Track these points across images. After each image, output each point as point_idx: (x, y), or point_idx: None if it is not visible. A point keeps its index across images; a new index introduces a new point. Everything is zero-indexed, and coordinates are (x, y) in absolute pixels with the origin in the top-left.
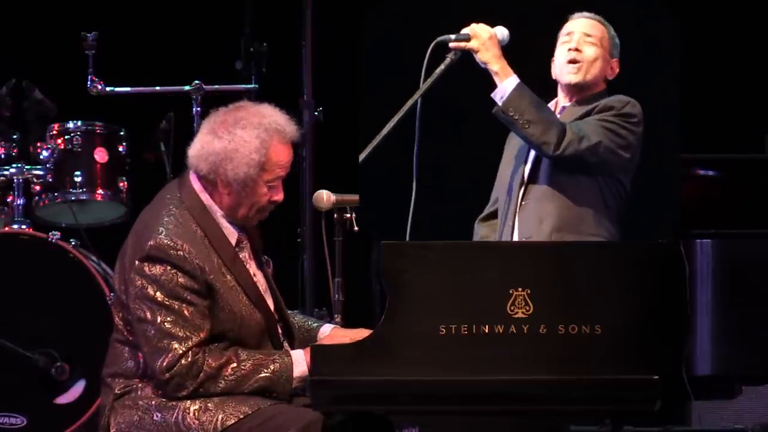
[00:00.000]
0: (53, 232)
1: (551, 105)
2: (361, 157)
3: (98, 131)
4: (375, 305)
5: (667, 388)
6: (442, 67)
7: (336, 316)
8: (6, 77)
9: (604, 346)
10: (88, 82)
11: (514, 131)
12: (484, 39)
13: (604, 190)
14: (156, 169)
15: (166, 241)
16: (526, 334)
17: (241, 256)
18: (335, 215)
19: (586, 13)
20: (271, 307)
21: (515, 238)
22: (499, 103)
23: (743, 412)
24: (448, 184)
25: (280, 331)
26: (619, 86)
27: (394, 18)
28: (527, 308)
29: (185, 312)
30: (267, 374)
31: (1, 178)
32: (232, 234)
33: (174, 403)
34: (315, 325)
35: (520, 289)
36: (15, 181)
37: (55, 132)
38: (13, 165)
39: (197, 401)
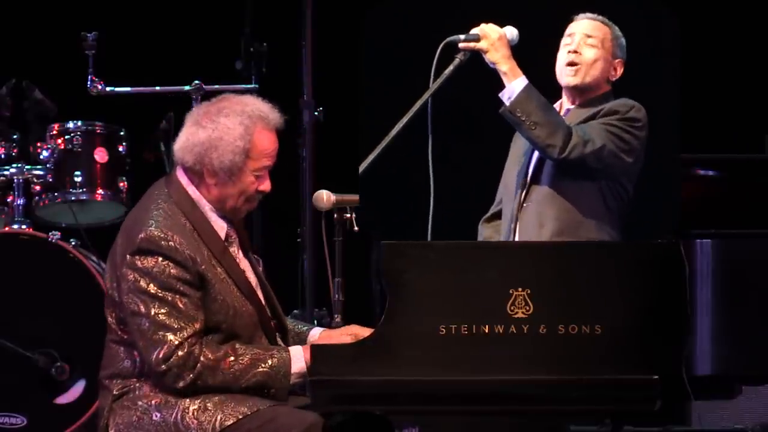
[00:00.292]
0: (53, 232)
1: (555, 107)
2: (369, 159)
3: (98, 131)
4: (375, 305)
5: (667, 388)
6: (451, 67)
7: (336, 316)
8: (6, 77)
9: (604, 346)
10: (88, 82)
11: (520, 132)
12: (494, 39)
13: (606, 194)
14: (156, 169)
15: (156, 233)
16: (526, 334)
17: (230, 250)
18: (335, 215)
19: (589, 14)
20: (267, 310)
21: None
22: (507, 104)
23: (743, 412)
24: (456, 184)
25: (273, 326)
26: (619, 86)
27: (395, 18)
28: (527, 308)
29: (179, 303)
30: (265, 369)
31: (1, 178)
32: (221, 228)
33: (173, 402)
34: (305, 328)
35: (520, 289)
36: (15, 181)
37: (55, 132)
38: (13, 165)
39: (196, 401)
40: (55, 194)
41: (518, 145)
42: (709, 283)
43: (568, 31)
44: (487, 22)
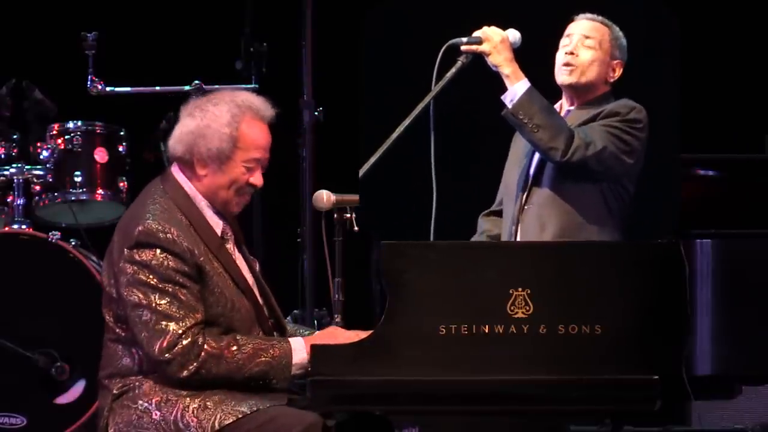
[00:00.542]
0: (53, 232)
1: (555, 108)
2: (371, 161)
3: (98, 131)
4: (375, 305)
5: (667, 388)
6: (453, 70)
7: (336, 316)
8: (6, 77)
9: (604, 346)
10: (88, 82)
11: (522, 135)
12: (496, 42)
13: (608, 196)
14: (156, 169)
15: (154, 226)
16: (526, 334)
17: (227, 247)
18: (335, 215)
19: (589, 15)
20: (263, 307)
21: None
22: (509, 106)
23: (743, 412)
24: (458, 186)
25: (270, 325)
26: (620, 86)
27: (395, 18)
28: (527, 308)
29: (179, 294)
30: (267, 359)
31: (1, 178)
32: (217, 224)
33: (174, 401)
34: (307, 333)
35: (520, 289)
36: (15, 181)
37: (55, 132)
38: (13, 165)
39: (196, 399)
40: (55, 194)
41: (518, 145)
42: (709, 283)
43: (567, 31)
44: (489, 24)
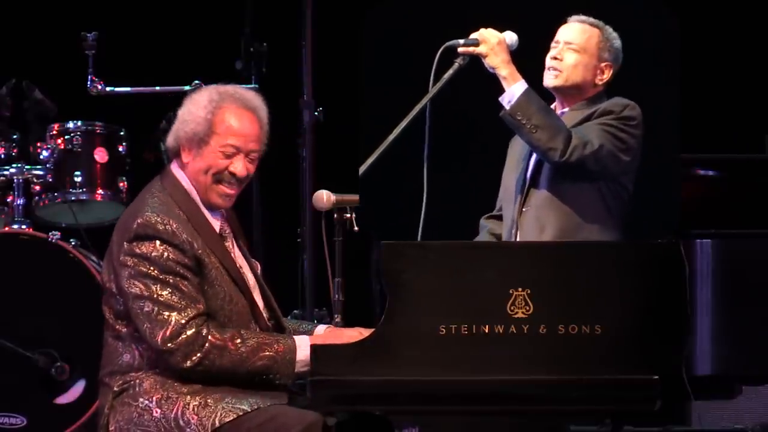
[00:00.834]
0: (53, 232)
1: None
2: (368, 162)
3: (98, 131)
4: (375, 305)
5: (667, 388)
6: (450, 72)
7: (336, 316)
8: (6, 77)
9: (604, 346)
10: (88, 82)
11: (520, 136)
12: (493, 44)
13: (606, 195)
14: (156, 169)
15: (153, 218)
16: (526, 334)
17: (225, 244)
18: (335, 215)
19: (580, 17)
20: (260, 303)
21: None
22: (507, 107)
23: (743, 412)
24: (455, 187)
25: (270, 326)
26: (620, 86)
27: (394, 18)
28: (527, 308)
29: (180, 285)
30: (271, 353)
31: (1, 178)
32: (215, 221)
33: (174, 398)
34: (309, 327)
35: (520, 289)
36: (15, 181)
37: (55, 132)
38: (13, 165)
39: (197, 397)
40: (55, 194)
41: (515, 150)
42: (709, 283)
43: (556, 36)
44: (486, 26)
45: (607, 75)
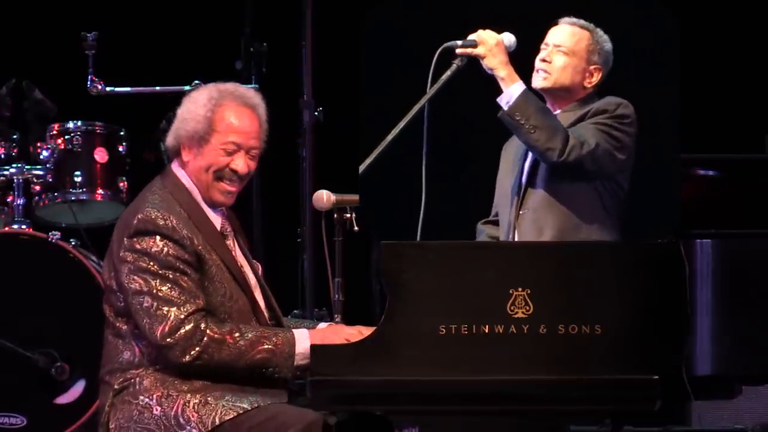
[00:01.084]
0: (53, 232)
1: None
2: (366, 162)
3: (98, 131)
4: (375, 305)
5: (667, 388)
6: (448, 73)
7: (336, 316)
8: (6, 77)
9: (604, 346)
10: (88, 82)
11: (518, 136)
12: (491, 45)
13: (603, 195)
14: (156, 169)
15: (153, 213)
16: (526, 334)
17: (226, 242)
18: (335, 215)
19: (571, 19)
20: (261, 302)
21: None
22: (505, 108)
23: (743, 412)
24: (454, 188)
25: (269, 323)
26: (620, 87)
27: (394, 18)
28: (527, 308)
29: (180, 281)
30: (269, 346)
31: (1, 178)
32: (215, 219)
33: (175, 396)
34: (310, 325)
35: (520, 289)
36: (15, 181)
37: (55, 132)
38: (13, 165)
39: (197, 395)
40: (55, 194)
41: (509, 153)
42: (709, 283)
43: (546, 38)
44: (485, 27)
45: (597, 78)
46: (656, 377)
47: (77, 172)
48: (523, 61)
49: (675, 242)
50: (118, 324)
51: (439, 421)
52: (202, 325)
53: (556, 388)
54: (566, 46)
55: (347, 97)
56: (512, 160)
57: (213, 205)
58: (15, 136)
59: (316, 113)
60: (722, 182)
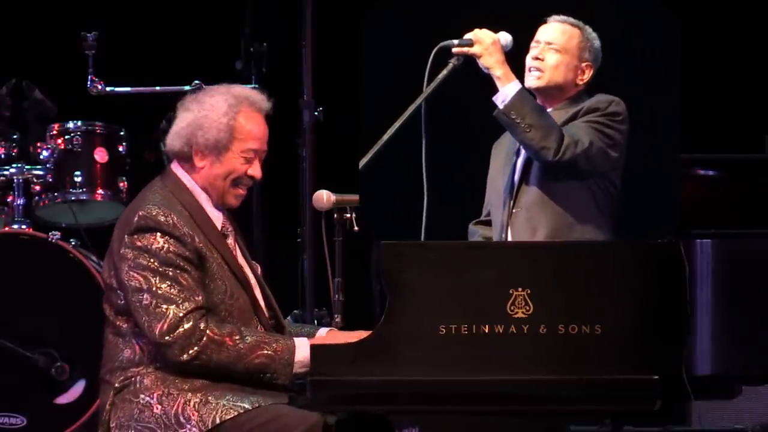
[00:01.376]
0: (53, 232)
1: None
2: (363, 161)
3: (98, 131)
4: (375, 305)
5: (667, 388)
6: (444, 72)
7: (336, 316)
8: (6, 77)
9: (604, 346)
10: (88, 82)
11: (513, 135)
12: (488, 44)
13: (596, 193)
14: (156, 169)
15: (154, 210)
16: (526, 334)
17: (227, 242)
18: (335, 215)
19: (560, 17)
20: (261, 301)
21: None
22: (501, 107)
23: (743, 412)
24: (453, 187)
25: (270, 322)
26: (620, 86)
27: (394, 18)
28: (527, 308)
29: (180, 278)
30: (269, 352)
31: (1, 178)
32: (216, 218)
33: (175, 395)
34: (311, 330)
35: (520, 289)
36: (15, 181)
37: (55, 132)
38: (13, 165)
39: (198, 394)
40: (55, 194)
41: (500, 151)
42: (709, 283)
43: (536, 35)
44: (482, 26)
45: (588, 75)
46: (656, 377)
47: (77, 172)
48: (519, 60)
49: (675, 242)
50: (118, 323)
51: (439, 421)
52: (202, 325)
53: (556, 388)
54: (558, 44)
55: (347, 97)
56: (503, 160)
57: (220, 207)
58: (15, 136)
59: (316, 113)
60: (722, 182)
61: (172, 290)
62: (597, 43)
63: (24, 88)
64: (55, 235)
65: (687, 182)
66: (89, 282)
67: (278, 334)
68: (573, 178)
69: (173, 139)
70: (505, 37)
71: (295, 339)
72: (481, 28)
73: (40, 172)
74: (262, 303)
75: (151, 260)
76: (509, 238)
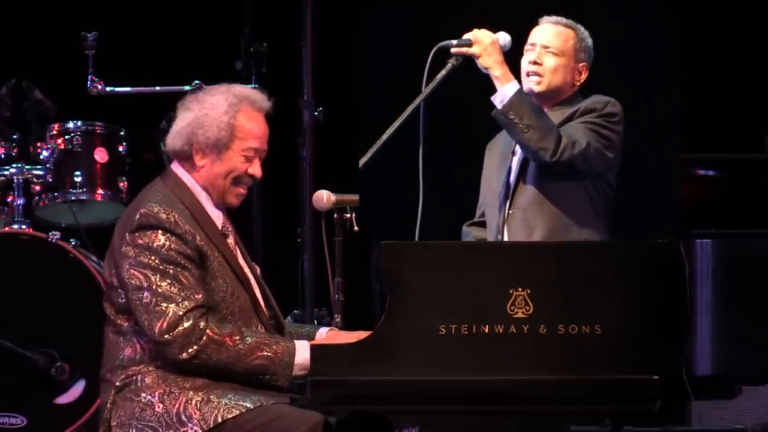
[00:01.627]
0: (53, 232)
1: None
2: (362, 161)
3: (98, 131)
4: (375, 305)
5: (667, 388)
6: (443, 72)
7: (336, 316)
8: (6, 77)
9: (604, 346)
10: (88, 82)
11: (511, 135)
12: (486, 44)
13: (593, 194)
14: (156, 169)
15: (156, 208)
16: (526, 334)
17: (227, 241)
18: (335, 215)
19: (553, 18)
20: (261, 301)
21: None
22: (499, 107)
23: (743, 412)
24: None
25: (270, 322)
26: (620, 86)
27: (394, 18)
28: (527, 308)
29: (180, 276)
30: (269, 353)
31: (1, 178)
32: (217, 217)
33: (177, 393)
34: (311, 330)
35: (520, 289)
36: (15, 181)
37: (55, 132)
38: (13, 165)
39: (200, 392)
40: (55, 194)
41: (494, 151)
42: (709, 283)
43: (530, 38)
44: (480, 27)
45: (584, 75)
46: (656, 377)
47: (77, 172)
48: (518, 60)
49: (675, 242)
50: (119, 321)
51: (439, 421)
52: (202, 324)
53: (556, 388)
54: (555, 47)
55: (347, 97)
56: (498, 159)
57: (221, 207)
58: (15, 136)
59: (316, 113)
60: (722, 182)
61: (173, 288)
62: (590, 42)
63: (24, 88)
64: (55, 235)
65: (687, 182)
66: (89, 282)
67: (279, 336)
68: (570, 178)
69: (173, 139)
70: (503, 37)
71: (295, 342)
72: (479, 28)
73: (40, 172)
74: (262, 303)
75: (152, 258)
76: (506, 239)
